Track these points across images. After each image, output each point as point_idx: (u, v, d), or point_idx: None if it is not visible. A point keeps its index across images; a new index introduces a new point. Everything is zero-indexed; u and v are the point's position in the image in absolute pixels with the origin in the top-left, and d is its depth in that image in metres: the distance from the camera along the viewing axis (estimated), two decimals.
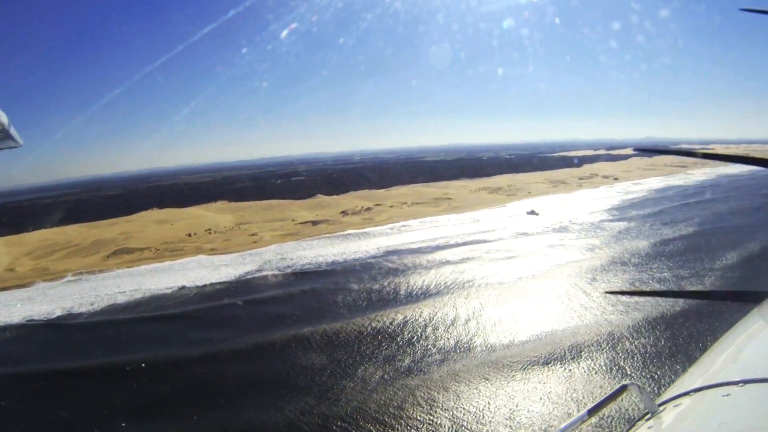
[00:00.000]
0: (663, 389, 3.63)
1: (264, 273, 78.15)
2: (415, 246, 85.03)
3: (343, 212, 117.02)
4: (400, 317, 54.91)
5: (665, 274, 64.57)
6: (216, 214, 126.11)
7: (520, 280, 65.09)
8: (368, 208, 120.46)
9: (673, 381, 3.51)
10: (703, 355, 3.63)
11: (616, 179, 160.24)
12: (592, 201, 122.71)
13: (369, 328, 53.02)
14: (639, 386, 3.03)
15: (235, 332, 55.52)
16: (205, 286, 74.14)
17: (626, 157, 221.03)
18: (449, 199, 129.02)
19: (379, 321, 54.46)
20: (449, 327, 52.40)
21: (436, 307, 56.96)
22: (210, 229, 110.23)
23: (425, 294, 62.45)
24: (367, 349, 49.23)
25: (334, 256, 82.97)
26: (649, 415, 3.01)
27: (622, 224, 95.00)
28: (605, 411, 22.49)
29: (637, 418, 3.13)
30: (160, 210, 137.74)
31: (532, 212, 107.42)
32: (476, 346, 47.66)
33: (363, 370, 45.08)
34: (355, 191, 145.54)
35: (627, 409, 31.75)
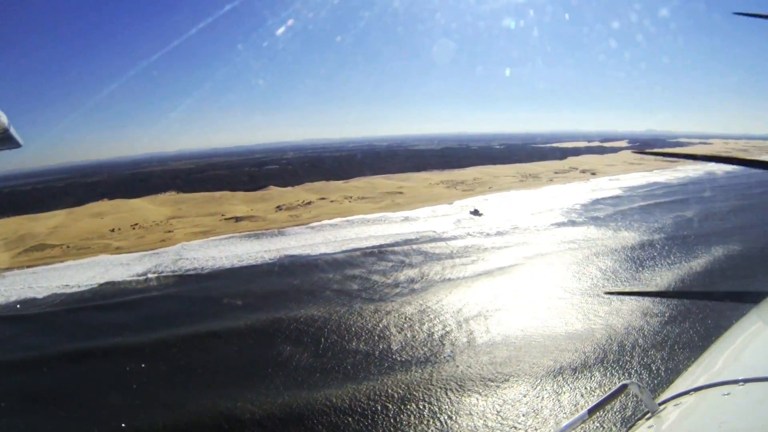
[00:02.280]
0: (662, 389, 3.34)
1: (146, 276, 73.73)
2: (316, 251, 77.58)
3: (278, 207, 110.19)
4: (221, 343, 48.48)
5: (564, 317, 50.24)
6: (156, 207, 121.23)
7: (398, 299, 56.73)
8: (308, 203, 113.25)
9: (672, 381, 3.36)
10: (703, 355, 3.54)
11: (593, 174, 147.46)
12: (553, 199, 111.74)
13: (182, 348, 47.82)
14: (639, 385, 2.95)
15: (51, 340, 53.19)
16: (74, 293, 69.99)
17: (617, 149, 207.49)
18: (400, 193, 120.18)
19: (201, 340, 49.00)
20: (268, 358, 44.92)
21: (269, 331, 49.95)
22: (136, 224, 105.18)
23: (276, 309, 55.16)
24: (160, 374, 43.71)
25: (227, 259, 76.77)
26: (649, 415, 2.96)
27: (569, 230, 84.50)
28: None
29: (637, 417, 3.04)
30: (110, 201, 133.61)
31: (476, 212, 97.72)
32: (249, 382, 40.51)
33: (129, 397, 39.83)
34: (311, 183, 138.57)
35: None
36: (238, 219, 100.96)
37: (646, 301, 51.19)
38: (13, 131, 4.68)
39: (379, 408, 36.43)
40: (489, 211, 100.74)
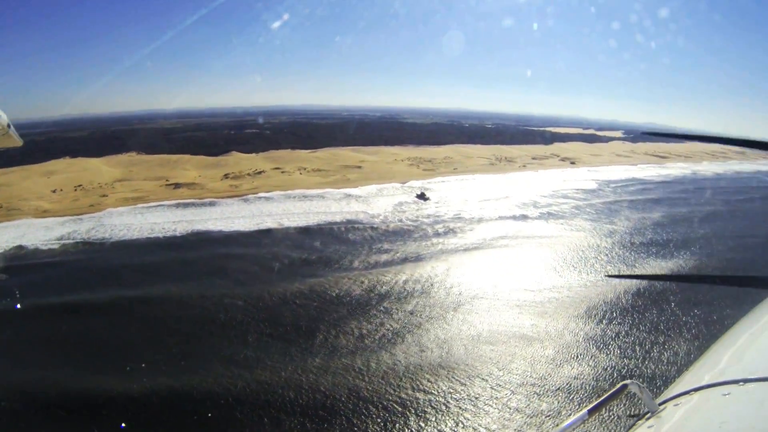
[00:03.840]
0: (662, 389, 3.34)
1: (56, 242, 71.12)
2: (230, 227, 73.98)
3: (226, 175, 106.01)
4: (71, 318, 46.57)
5: (451, 343, 42.97)
6: (110, 168, 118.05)
7: (280, 288, 52.59)
8: (259, 172, 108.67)
9: (673, 381, 3.32)
10: (703, 355, 3.52)
11: (573, 163, 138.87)
12: (516, 188, 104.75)
13: (31, 320, 46.47)
14: (639, 385, 2.97)
15: None
16: None
17: (608, 139, 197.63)
18: (358, 167, 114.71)
19: (53, 314, 47.36)
20: (100, 339, 42.81)
21: (120, 310, 47.99)
22: (80, 186, 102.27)
23: (145, 287, 53.47)
24: None
25: (138, 230, 74.58)
26: (649, 414, 2.96)
27: (513, 225, 78.63)
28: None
29: (637, 417, 3.03)
30: (71, 159, 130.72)
31: (422, 196, 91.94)
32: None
33: None
34: (276, 150, 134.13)
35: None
36: (177, 186, 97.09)
37: (541, 335, 45.27)
38: (12, 130, 4.65)
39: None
40: (440, 195, 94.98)
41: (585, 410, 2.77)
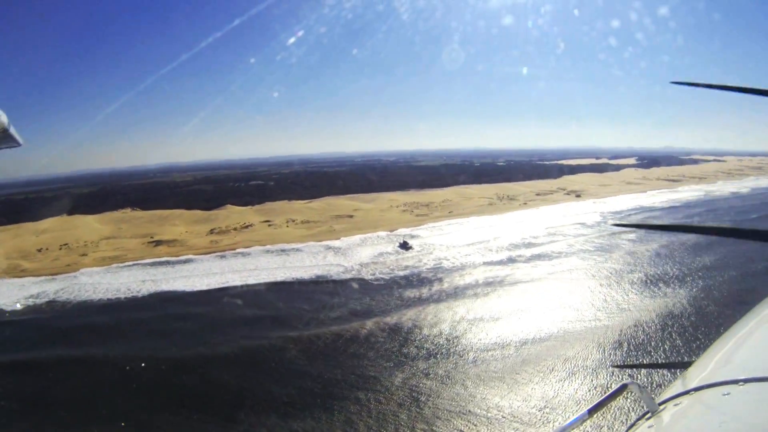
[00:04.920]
0: (663, 388, 3.25)
1: (20, 303, 69.79)
2: (193, 287, 71.19)
3: (212, 230, 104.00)
4: None
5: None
6: (100, 226, 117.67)
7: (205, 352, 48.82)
8: (247, 226, 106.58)
9: (672, 381, 3.26)
10: (703, 354, 3.51)
11: (579, 196, 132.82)
12: (510, 228, 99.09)
13: None
14: (639, 385, 2.94)
15: None
16: None
17: (620, 167, 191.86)
18: (350, 217, 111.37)
19: None
20: None
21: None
22: (65, 245, 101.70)
23: (79, 348, 51.49)
24: None
25: (103, 291, 72.72)
26: (649, 414, 2.93)
27: (494, 272, 72.86)
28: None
29: (637, 417, 3.00)
30: (68, 216, 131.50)
31: (404, 245, 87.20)
32: None
33: None
34: (272, 202, 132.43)
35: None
36: (158, 243, 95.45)
37: None
38: (12, 130, 4.69)
39: None
40: (425, 242, 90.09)
41: (585, 410, 2.70)
